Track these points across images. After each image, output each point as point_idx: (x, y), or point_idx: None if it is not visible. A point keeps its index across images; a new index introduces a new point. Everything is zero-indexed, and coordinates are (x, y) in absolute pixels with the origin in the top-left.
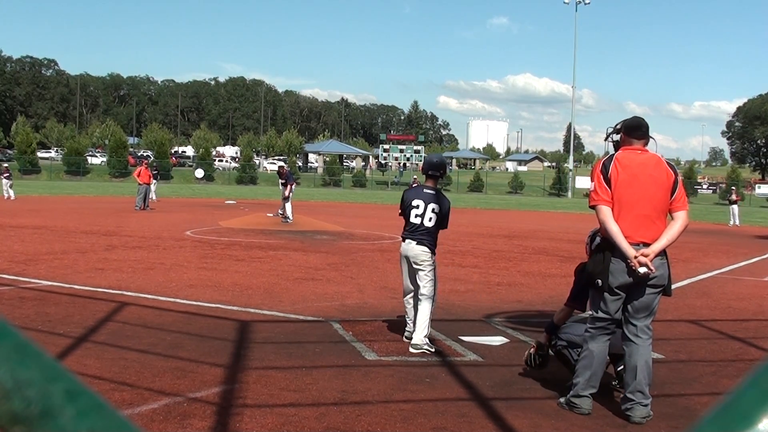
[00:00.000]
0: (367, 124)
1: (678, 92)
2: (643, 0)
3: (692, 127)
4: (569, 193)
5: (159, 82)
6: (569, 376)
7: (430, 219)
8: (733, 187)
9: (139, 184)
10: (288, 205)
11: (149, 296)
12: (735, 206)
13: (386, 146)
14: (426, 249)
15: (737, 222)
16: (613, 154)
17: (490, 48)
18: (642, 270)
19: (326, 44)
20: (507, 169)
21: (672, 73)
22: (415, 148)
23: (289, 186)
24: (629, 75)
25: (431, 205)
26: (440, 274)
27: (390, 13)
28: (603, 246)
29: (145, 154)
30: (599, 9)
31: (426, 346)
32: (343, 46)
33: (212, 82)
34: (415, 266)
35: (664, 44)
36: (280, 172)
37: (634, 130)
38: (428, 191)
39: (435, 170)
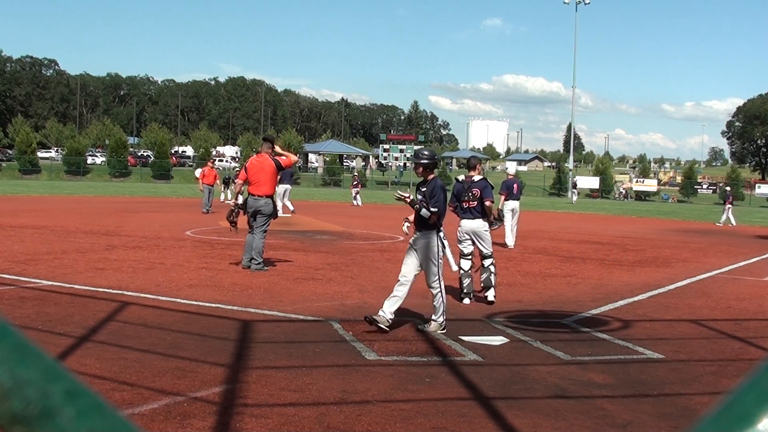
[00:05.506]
0: (367, 124)
1: (673, 92)
2: (637, 1)
3: (691, 127)
4: (569, 193)
5: (159, 82)
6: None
7: None
8: (728, 188)
9: (203, 185)
10: (279, 202)
11: (149, 296)
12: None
13: (386, 146)
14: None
15: (732, 222)
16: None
17: (484, 49)
18: None
19: (319, 46)
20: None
21: (667, 74)
22: (416, 148)
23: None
24: (623, 75)
25: None
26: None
27: (383, 14)
28: None
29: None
30: (593, 9)
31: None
32: (336, 47)
33: (212, 82)
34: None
35: (660, 44)
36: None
37: None
38: None
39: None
